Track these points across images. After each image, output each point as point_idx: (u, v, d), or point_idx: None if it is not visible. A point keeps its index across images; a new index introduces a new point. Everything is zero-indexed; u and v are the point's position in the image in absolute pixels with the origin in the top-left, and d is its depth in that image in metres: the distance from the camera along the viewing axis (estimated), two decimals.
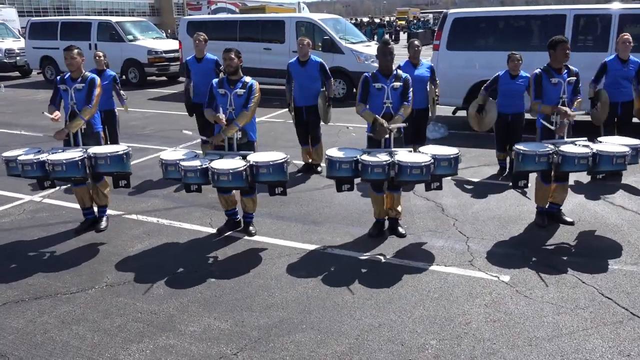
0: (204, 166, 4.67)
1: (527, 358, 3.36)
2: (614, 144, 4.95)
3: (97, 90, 5.20)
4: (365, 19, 38.18)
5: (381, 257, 4.80)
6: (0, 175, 7.44)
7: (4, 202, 6.45)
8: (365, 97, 5.02)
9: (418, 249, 4.95)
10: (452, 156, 4.75)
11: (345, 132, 9.55)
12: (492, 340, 3.55)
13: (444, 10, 11.90)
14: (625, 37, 6.40)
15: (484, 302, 4.01)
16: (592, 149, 4.77)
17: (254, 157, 4.85)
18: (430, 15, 53.44)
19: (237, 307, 4.04)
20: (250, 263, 4.76)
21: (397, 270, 4.58)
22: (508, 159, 6.81)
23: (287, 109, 7.46)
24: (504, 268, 4.53)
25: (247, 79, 5.07)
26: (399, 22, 44.32)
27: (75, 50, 5.16)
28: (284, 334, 3.70)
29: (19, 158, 4.89)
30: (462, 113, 9.85)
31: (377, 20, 40.73)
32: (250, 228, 5.35)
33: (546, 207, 5.38)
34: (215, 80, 5.14)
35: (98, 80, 5.24)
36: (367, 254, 4.88)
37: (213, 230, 5.46)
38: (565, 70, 5.07)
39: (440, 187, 4.90)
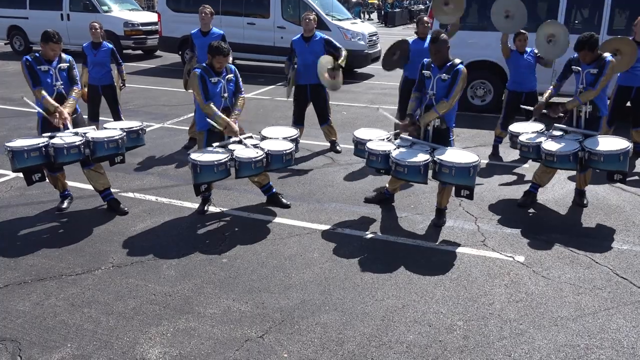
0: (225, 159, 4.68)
1: (555, 338, 3.37)
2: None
3: (77, 71, 5.12)
4: None
5: (394, 238, 4.75)
6: None
7: None
8: (420, 85, 4.86)
9: (429, 229, 4.91)
10: (471, 164, 4.43)
11: (336, 110, 9.40)
12: (519, 321, 3.54)
13: None
14: None
15: (503, 283, 4.01)
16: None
17: (268, 139, 5.11)
18: None
19: (254, 289, 3.93)
20: (261, 243, 4.64)
21: (411, 250, 4.53)
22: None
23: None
24: (517, 248, 4.54)
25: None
26: (371, 1, 43.90)
27: (61, 42, 4.86)
28: (307, 315, 3.61)
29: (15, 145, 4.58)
30: None
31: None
32: (283, 200, 5.36)
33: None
34: (200, 72, 4.80)
35: (74, 61, 5.08)
36: (379, 234, 4.82)
37: (216, 209, 5.31)
38: (595, 62, 4.95)
39: (471, 197, 4.57)
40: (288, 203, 5.34)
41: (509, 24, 6.58)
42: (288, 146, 4.93)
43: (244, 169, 4.68)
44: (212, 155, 4.66)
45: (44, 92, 4.80)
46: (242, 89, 5.15)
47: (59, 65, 4.89)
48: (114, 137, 4.85)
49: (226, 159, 4.63)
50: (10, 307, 3.67)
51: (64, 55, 4.99)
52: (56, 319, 3.55)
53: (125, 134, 4.98)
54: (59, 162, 4.71)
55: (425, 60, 4.87)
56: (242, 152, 4.76)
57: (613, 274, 4.13)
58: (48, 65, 4.85)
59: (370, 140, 4.98)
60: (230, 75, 5.00)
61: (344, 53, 6.69)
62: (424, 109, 4.77)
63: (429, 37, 6.58)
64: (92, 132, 4.92)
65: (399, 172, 4.57)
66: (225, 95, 4.94)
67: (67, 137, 4.72)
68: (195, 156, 4.63)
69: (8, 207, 5.35)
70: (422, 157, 4.53)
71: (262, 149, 4.81)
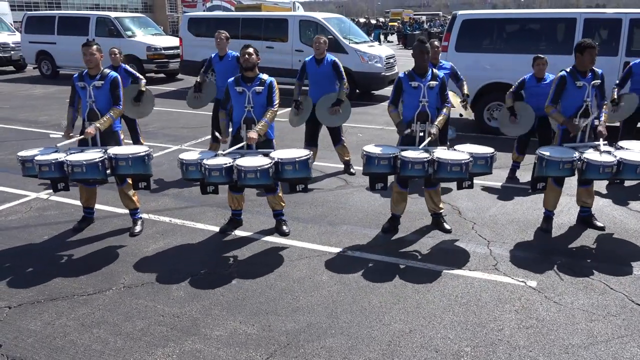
0: (228, 165, 4.57)
1: None
2: (637, 151, 4.88)
3: (123, 90, 5.11)
4: (362, 20, 38.20)
5: (404, 261, 4.72)
6: (2, 171, 7.31)
7: (9, 199, 6.27)
8: (397, 98, 5.05)
9: (440, 253, 4.87)
10: (488, 155, 4.82)
11: (351, 132, 9.46)
12: (528, 348, 3.47)
13: (450, 12, 11.87)
14: None
15: (514, 308, 3.94)
16: (615, 156, 4.71)
17: (278, 154, 4.77)
18: (424, 17, 53.74)
19: (262, 311, 3.94)
20: (270, 265, 4.65)
21: (421, 274, 4.49)
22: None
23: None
24: (530, 273, 4.46)
25: (264, 76, 4.99)
26: (391, 24, 44.49)
27: (95, 46, 4.96)
28: (313, 339, 3.59)
29: (36, 158, 4.72)
30: None
31: (373, 22, 40.76)
32: (284, 227, 5.28)
33: (578, 211, 5.47)
34: (231, 79, 5.05)
35: (119, 79, 5.08)
36: (389, 257, 4.80)
37: (227, 231, 5.34)
38: (590, 73, 5.02)
39: (471, 186, 4.90)
40: (287, 231, 5.27)
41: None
42: (304, 153, 4.78)
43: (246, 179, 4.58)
44: (195, 156, 4.77)
45: (67, 111, 5.19)
46: (275, 103, 4.94)
47: (94, 83, 4.98)
48: (139, 153, 4.84)
49: (196, 161, 4.67)
50: (22, 326, 3.74)
51: (106, 71, 5.05)
52: (66, 339, 3.60)
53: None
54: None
55: (401, 74, 5.07)
56: (245, 160, 4.62)
57: (628, 300, 4.03)
58: (85, 82, 5.00)
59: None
60: (260, 88, 4.90)
61: (344, 87, 6.69)
62: (415, 117, 4.95)
63: (442, 62, 6.67)
64: (113, 149, 4.92)
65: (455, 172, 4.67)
66: (249, 106, 4.91)
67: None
68: (183, 154, 4.84)
69: (26, 227, 5.48)
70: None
71: (272, 158, 4.65)
